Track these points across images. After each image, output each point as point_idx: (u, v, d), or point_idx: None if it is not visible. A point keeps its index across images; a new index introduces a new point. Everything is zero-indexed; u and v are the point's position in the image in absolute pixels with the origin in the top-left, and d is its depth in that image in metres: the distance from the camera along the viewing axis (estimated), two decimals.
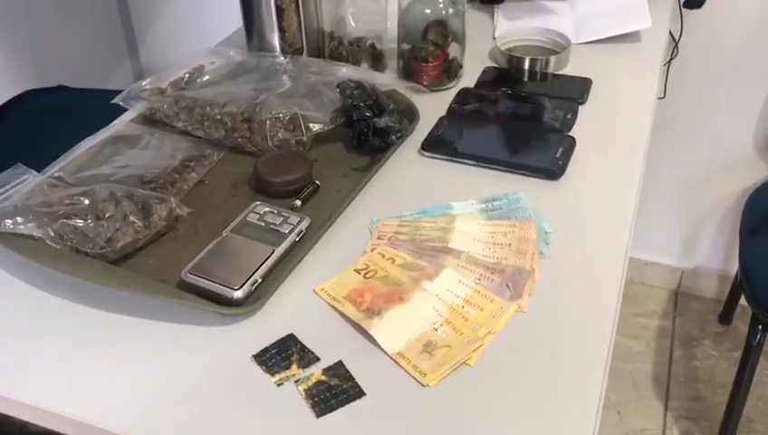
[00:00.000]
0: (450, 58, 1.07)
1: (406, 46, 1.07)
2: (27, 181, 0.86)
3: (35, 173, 0.87)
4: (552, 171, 0.87)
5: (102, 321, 0.70)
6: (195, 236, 0.80)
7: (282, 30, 1.08)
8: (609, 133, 0.96)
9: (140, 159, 0.91)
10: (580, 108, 1.01)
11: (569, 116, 0.98)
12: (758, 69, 1.60)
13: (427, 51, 1.04)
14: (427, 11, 1.03)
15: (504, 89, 1.05)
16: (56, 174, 0.87)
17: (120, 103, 1.01)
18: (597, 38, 1.19)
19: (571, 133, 0.95)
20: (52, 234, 0.75)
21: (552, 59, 1.11)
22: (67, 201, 0.79)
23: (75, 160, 0.90)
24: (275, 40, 1.09)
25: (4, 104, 1.53)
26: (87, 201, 0.79)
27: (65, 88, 1.65)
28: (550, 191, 0.86)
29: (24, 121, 1.49)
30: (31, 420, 0.64)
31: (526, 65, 1.11)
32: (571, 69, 1.13)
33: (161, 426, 0.60)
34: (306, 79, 1.01)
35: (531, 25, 1.20)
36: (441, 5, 1.02)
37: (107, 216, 0.77)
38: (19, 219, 0.77)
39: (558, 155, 0.89)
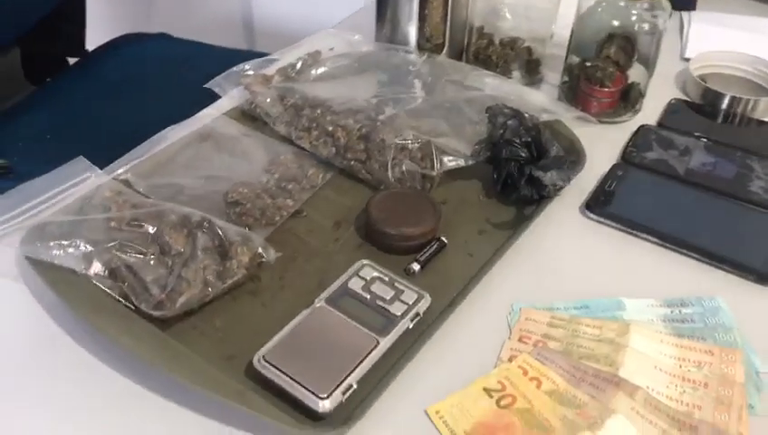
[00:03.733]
0: (629, 82, 0.83)
1: (576, 59, 0.84)
2: (88, 181, 0.69)
3: (99, 171, 0.70)
4: (764, 274, 0.64)
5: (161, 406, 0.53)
6: (279, 293, 0.61)
7: (422, 20, 0.86)
8: None
9: (228, 169, 0.73)
10: None
11: None
12: None
13: (605, 71, 0.81)
14: (615, 22, 0.79)
15: (697, 134, 0.81)
16: (123, 176, 0.70)
17: (216, 90, 0.83)
18: None
19: None
20: (102, 270, 0.58)
21: (762, 101, 0.85)
22: (130, 222, 0.62)
23: (150, 160, 0.73)
24: (412, 32, 0.87)
25: (98, 48, 1.38)
26: (153, 226, 0.62)
27: (167, 37, 1.49)
28: (757, 300, 0.63)
29: (119, 70, 1.34)
30: None
31: (725, 103, 0.85)
32: None
33: None
34: (445, 92, 0.79)
35: (733, 48, 0.94)
36: (635, 17, 0.78)
37: (173, 251, 0.60)
38: (64, 242, 0.60)
39: None
